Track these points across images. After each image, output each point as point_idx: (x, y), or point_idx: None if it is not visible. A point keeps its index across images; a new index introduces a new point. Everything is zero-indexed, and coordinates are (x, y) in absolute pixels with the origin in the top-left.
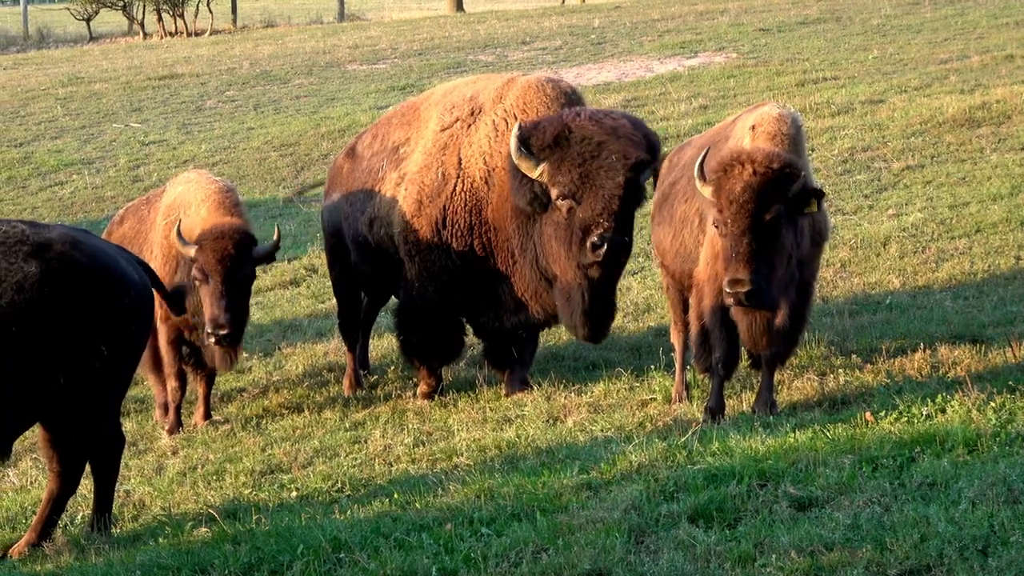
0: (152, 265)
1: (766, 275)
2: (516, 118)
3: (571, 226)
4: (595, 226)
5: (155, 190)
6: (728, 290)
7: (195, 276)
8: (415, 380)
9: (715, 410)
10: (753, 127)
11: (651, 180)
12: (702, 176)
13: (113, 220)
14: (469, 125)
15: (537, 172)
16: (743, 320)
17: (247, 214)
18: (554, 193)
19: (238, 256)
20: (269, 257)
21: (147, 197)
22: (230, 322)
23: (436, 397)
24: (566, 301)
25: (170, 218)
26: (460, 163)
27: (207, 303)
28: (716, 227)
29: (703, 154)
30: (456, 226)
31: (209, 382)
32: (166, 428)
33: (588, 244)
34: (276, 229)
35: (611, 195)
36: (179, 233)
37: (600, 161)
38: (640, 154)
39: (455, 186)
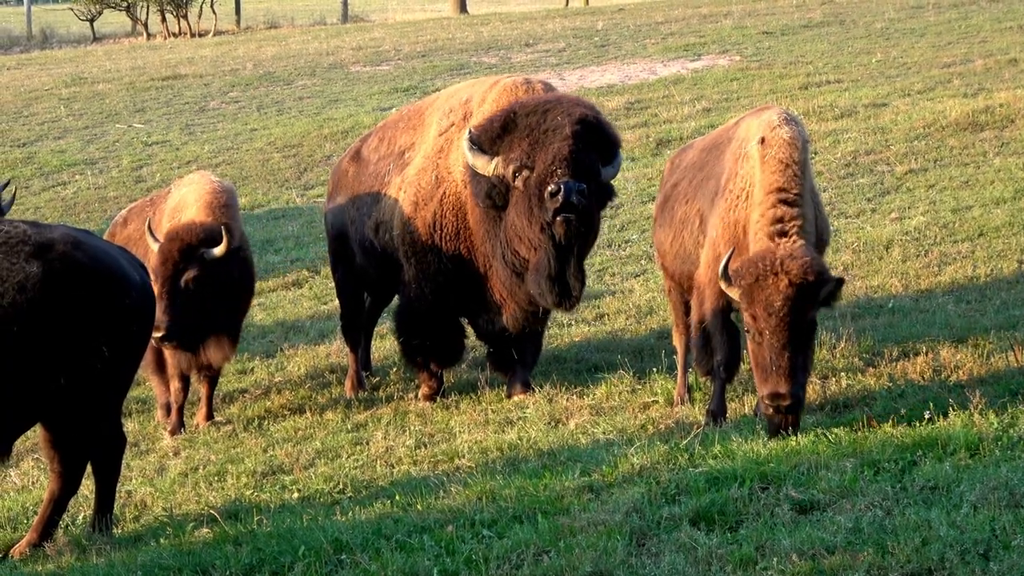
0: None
1: (802, 382)
2: None
3: (528, 191)
4: (549, 176)
5: (159, 191)
6: (768, 403)
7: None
8: (417, 382)
9: (717, 413)
10: (763, 142)
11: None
12: (727, 277)
13: (116, 221)
14: (460, 129)
15: (492, 167)
16: (773, 420)
17: (234, 215)
18: (510, 173)
19: (180, 257)
20: (222, 260)
21: (151, 198)
22: (164, 323)
23: (438, 399)
24: (534, 272)
25: (175, 219)
26: (450, 167)
27: None
28: (747, 332)
29: (728, 255)
30: (445, 229)
31: (212, 383)
32: (168, 429)
33: (546, 196)
34: (224, 233)
35: (560, 146)
36: (150, 230)
37: (547, 123)
38: (585, 111)
39: (445, 189)
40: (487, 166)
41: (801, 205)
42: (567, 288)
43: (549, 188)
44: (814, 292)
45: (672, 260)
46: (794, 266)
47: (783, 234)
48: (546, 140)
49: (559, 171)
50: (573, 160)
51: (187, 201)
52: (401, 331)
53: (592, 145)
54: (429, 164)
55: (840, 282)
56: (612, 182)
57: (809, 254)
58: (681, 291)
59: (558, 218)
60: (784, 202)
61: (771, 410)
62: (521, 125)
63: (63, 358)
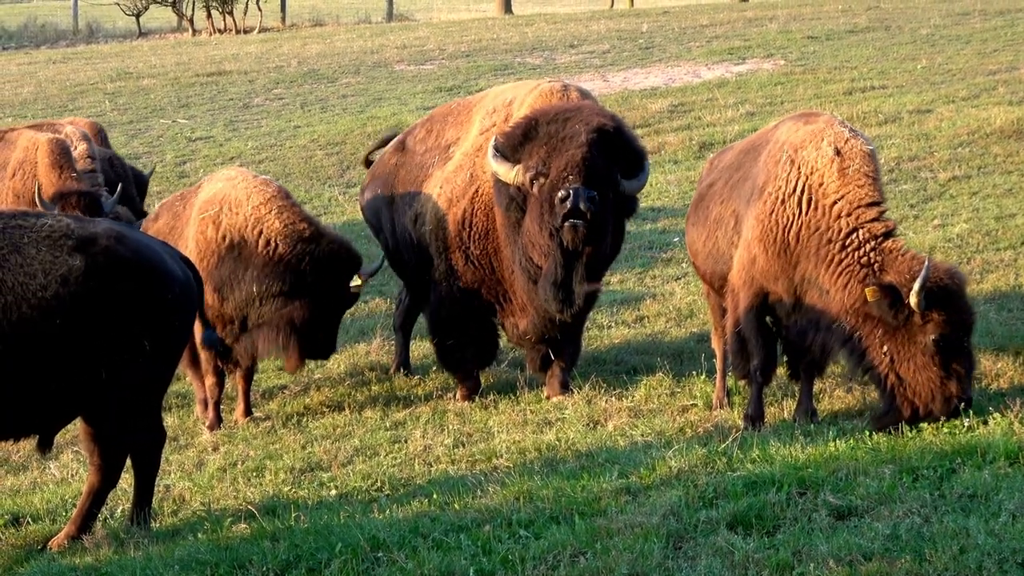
0: None
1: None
2: None
3: (541, 197)
4: (561, 182)
5: (190, 187)
6: (964, 407)
7: None
8: (453, 382)
9: (754, 417)
10: (840, 154)
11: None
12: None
13: (148, 217)
14: (493, 134)
15: (513, 174)
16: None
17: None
18: (528, 180)
19: None
20: None
21: (182, 193)
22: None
23: (476, 399)
24: (543, 278)
25: (207, 213)
26: (485, 166)
27: None
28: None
29: (924, 277)
30: (475, 228)
31: (247, 378)
32: (206, 424)
33: (556, 201)
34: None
35: (574, 153)
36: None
37: (564, 131)
38: (604, 120)
39: (478, 188)
40: (508, 173)
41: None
42: (571, 296)
43: (559, 193)
44: None
45: (704, 260)
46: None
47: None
48: (562, 147)
49: (571, 177)
50: (586, 167)
51: (236, 196)
52: (433, 330)
53: (610, 155)
54: (466, 162)
55: None
56: (640, 194)
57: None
58: (715, 292)
59: (566, 224)
60: (882, 217)
61: (959, 411)
62: (541, 133)
63: (105, 352)
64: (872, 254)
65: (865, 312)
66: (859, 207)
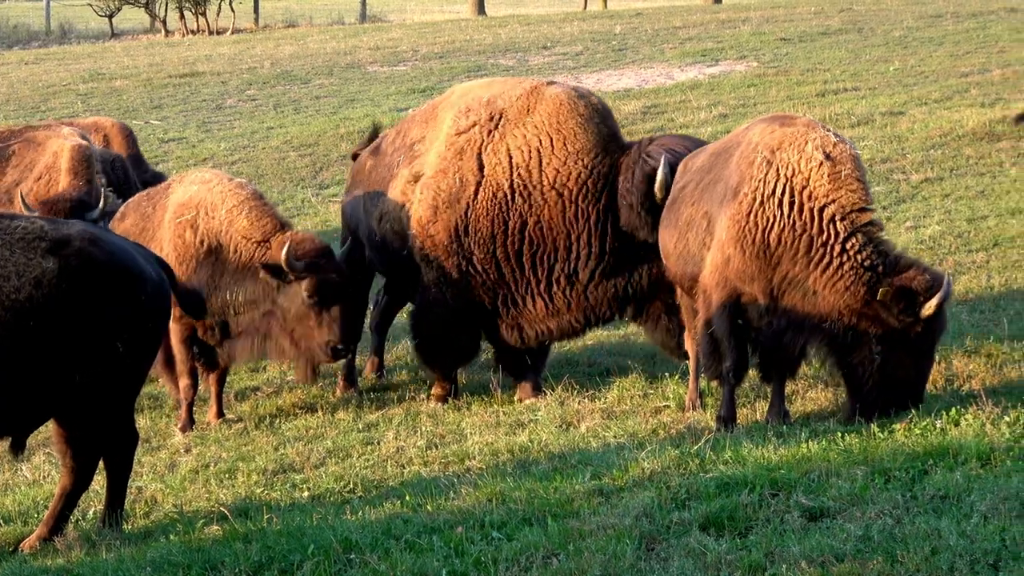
0: None
1: None
2: (551, 138)
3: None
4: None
5: (157, 187)
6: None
7: None
8: (429, 382)
9: (727, 419)
10: (830, 158)
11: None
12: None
13: (115, 217)
14: (490, 131)
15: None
16: None
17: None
18: None
19: None
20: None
21: (148, 193)
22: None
23: (449, 400)
24: None
25: (184, 217)
26: (482, 169)
27: None
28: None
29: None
30: (479, 233)
31: (220, 381)
32: (179, 425)
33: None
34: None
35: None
36: None
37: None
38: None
39: (476, 192)
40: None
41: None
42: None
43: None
44: None
45: (675, 261)
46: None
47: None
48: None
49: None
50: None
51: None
52: (417, 332)
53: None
54: (448, 165)
55: None
56: None
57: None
58: (686, 293)
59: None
60: (874, 223)
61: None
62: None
63: (78, 353)
64: (874, 257)
65: (864, 313)
66: (853, 211)
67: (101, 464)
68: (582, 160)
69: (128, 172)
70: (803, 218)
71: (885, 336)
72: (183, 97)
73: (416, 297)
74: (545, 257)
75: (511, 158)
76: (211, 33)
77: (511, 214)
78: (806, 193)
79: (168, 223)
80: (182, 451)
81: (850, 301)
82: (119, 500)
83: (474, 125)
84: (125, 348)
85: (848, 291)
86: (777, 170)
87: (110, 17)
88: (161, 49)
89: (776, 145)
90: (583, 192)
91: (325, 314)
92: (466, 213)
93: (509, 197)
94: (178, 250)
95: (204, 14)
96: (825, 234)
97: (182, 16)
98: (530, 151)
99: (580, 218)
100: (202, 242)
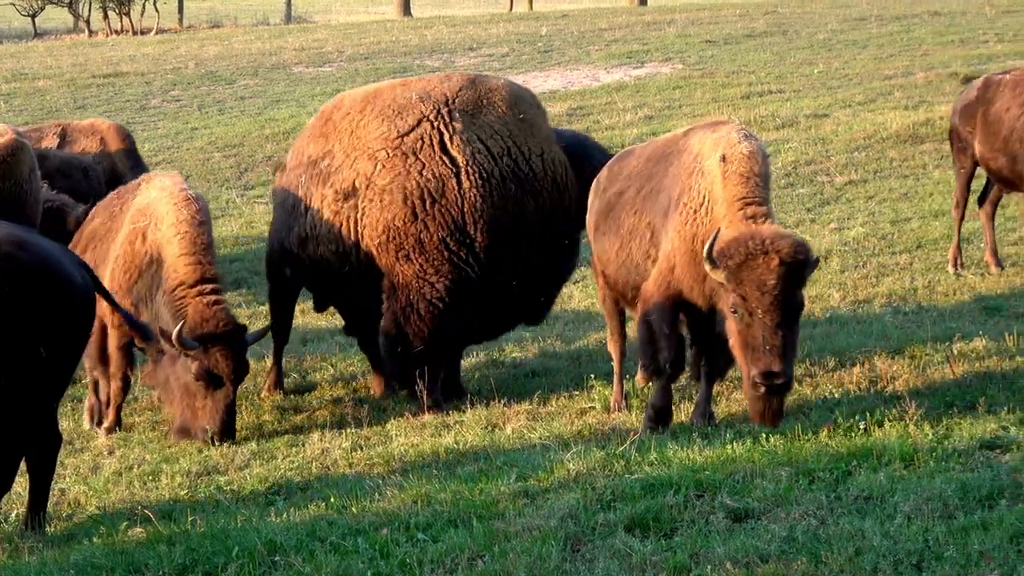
0: (111, 269)
1: (792, 362)
2: (520, 127)
3: None
4: None
5: (128, 185)
6: (762, 381)
7: None
8: (421, 396)
9: (660, 407)
10: (725, 159)
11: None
12: (712, 260)
13: (88, 217)
14: (446, 124)
15: None
16: (760, 402)
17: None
18: None
19: None
20: None
21: (118, 191)
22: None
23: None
24: None
25: (138, 224)
26: (453, 161)
27: None
28: (735, 311)
29: (715, 235)
30: (482, 222)
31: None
32: (105, 426)
33: None
34: None
35: None
36: None
37: None
38: None
39: (460, 184)
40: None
41: (769, 206)
42: None
43: None
44: (802, 272)
45: (616, 269)
46: (784, 245)
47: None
48: None
49: None
50: None
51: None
52: (399, 342)
53: None
54: (408, 168)
55: (818, 261)
56: None
57: (796, 236)
58: (616, 299)
59: None
60: (752, 203)
61: (762, 389)
62: None
63: (2, 356)
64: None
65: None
66: (737, 206)
67: (24, 466)
68: (550, 147)
69: (100, 181)
70: (708, 221)
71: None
72: (107, 97)
73: (386, 310)
74: (535, 244)
75: (488, 147)
76: (135, 33)
77: (509, 200)
78: (712, 196)
79: (126, 226)
80: (105, 453)
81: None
82: (42, 502)
83: (420, 122)
84: (49, 352)
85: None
86: (704, 176)
87: (33, 17)
88: (84, 49)
89: (706, 153)
90: (567, 177)
91: (210, 399)
92: (459, 204)
93: (500, 184)
94: (126, 256)
95: (128, 14)
96: (705, 233)
97: (106, 16)
98: (504, 139)
99: (568, 202)
100: (146, 252)
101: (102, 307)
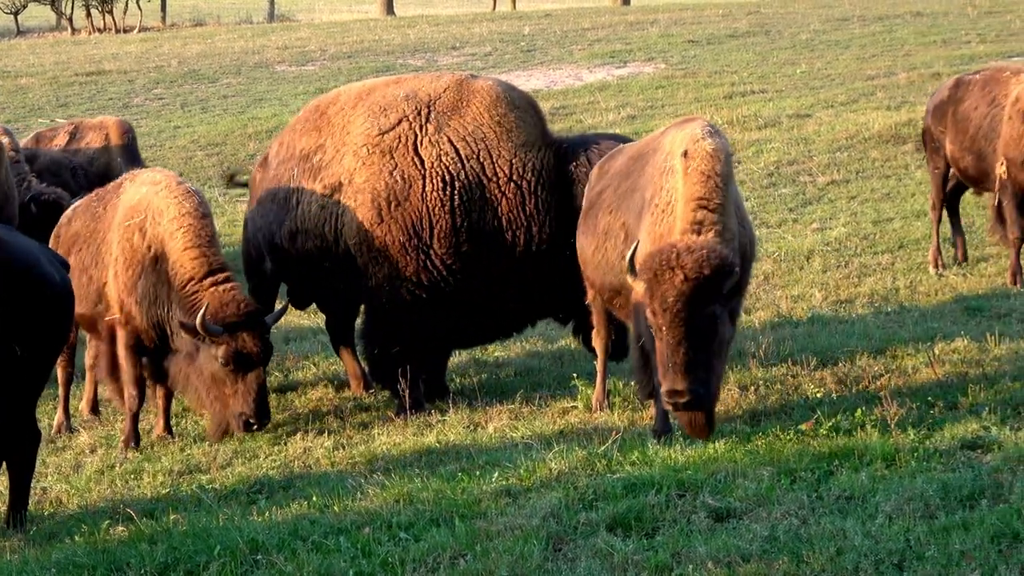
0: (112, 271)
1: (703, 379)
2: (494, 130)
3: None
4: None
5: (108, 187)
6: (667, 399)
7: None
8: (403, 395)
9: (661, 432)
10: (686, 155)
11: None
12: (633, 270)
13: (61, 221)
14: (421, 126)
15: None
16: (682, 417)
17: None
18: None
19: None
20: None
21: (97, 194)
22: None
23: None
24: None
25: (133, 220)
26: (422, 163)
27: None
28: (650, 326)
29: (634, 247)
30: (440, 227)
31: (168, 394)
32: (122, 438)
33: None
34: None
35: None
36: None
37: None
38: None
39: (424, 187)
40: None
41: (722, 213)
42: None
43: None
44: (713, 284)
45: (594, 270)
46: (689, 260)
47: (698, 234)
48: None
49: None
50: None
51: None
52: (377, 340)
53: None
54: (382, 167)
55: (737, 272)
56: None
57: (710, 247)
58: (604, 302)
59: None
60: (704, 208)
61: (671, 407)
62: None
63: None
64: None
65: None
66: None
67: (4, 464)
68: (530, 153)
69: (90, 181)
70: (672, 219)
71: None
72: (89, 95)
73: (367, 309)
74: (500, 248)
75: (457, 150)
76: (118, 31)
77: (471, 206)
78: (677, 194)
79: (116, 226)
80: (87, 452)
81: None
82: (23, 501)
83: (400, 121)
84: (28, 349)
85: None
86: (672, 175)
87: (15, 14)
88: (67, 47)
89: (675, 151)
90: (540, 184)
91: (240, 383)
92: (421, 208)
93: (464, 189)
94: (126, 254)
95: (111, 12)
96: (671, 231)
97: (89, 14)
98: (475, 142)
99: (541, 209)
100: (149, 247)
101: (108, 309)
